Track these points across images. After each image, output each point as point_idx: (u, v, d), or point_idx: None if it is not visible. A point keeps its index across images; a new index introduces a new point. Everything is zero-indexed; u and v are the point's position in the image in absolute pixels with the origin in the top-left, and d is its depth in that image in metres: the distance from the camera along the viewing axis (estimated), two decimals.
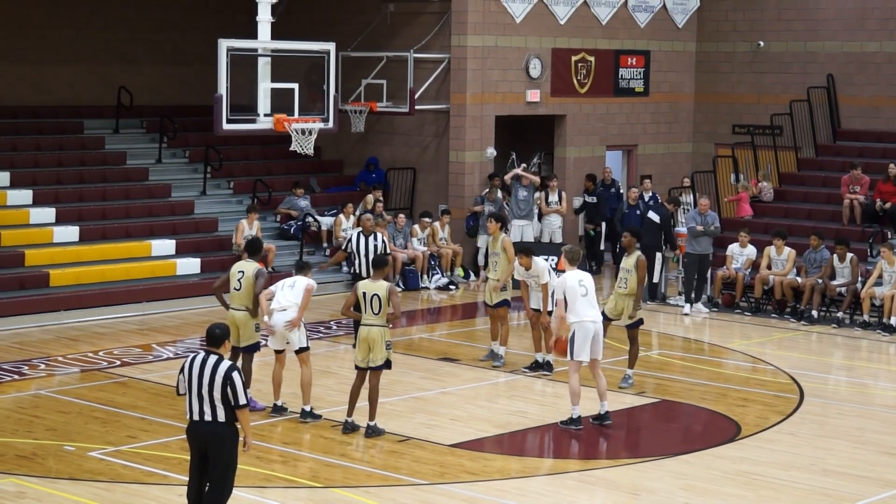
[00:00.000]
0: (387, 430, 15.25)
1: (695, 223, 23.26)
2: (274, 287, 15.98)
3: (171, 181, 26.03)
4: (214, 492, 11.09)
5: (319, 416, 15.78)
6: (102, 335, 20.69)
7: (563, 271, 15.95)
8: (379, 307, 14.90)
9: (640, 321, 17.54)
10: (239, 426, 11.09)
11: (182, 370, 11.13)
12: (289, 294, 15.81)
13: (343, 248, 20.31)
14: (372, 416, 15.13)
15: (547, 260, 24.81)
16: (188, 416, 11.10)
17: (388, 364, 15.08)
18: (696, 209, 23.90)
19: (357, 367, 15.17)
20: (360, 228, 20.24)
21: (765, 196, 26.82)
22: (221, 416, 10.97)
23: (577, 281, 15.52)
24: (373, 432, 15.07)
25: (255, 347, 15.99)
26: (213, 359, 11.01)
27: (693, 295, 23.56)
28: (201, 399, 10.96)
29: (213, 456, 11.03)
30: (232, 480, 11.20)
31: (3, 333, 20.42)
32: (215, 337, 11.12)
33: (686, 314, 23.19)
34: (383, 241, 19.84)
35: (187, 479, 11.40)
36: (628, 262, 17.52)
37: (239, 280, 15.82)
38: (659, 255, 24.17)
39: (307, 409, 15.76)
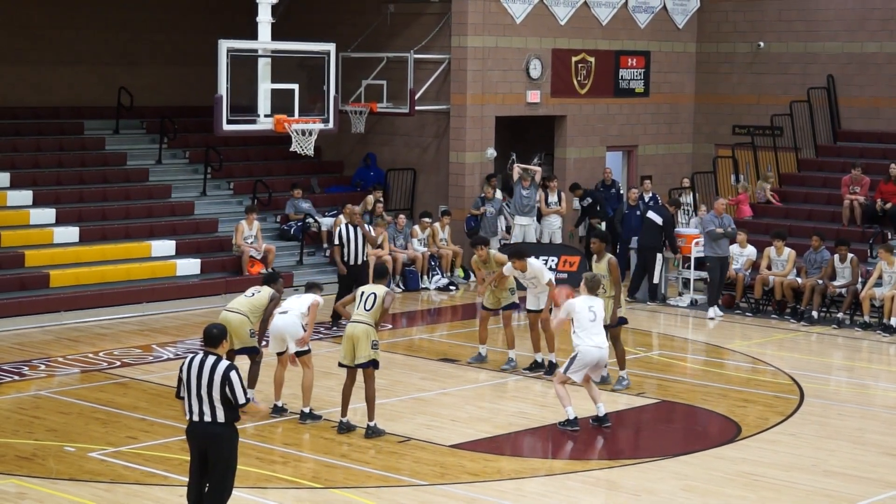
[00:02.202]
0: (387, 430, 15.24)
1: (713, 226, 22.99)
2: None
3: (172, 182, 26.03)
4: (215, 492, 11.09)
5: (319, 417, 15.78)
6: (102, 336, 20.69)
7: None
8: (372, 305, 14.98)
9: (623, 320, 17.42)
10: (246, 416, 11.08)
11: (181, 371, 11.10)
12: (294, 301, 15.89)
13: (335, 242, 21.01)
14: (371, 417, 15.15)
15: (546, 262, 24.95)
16: (188, 417, 11.08)
17: (374, 363, 15.07)
18: (711, 212, 23.65)
19: (341, 365, 15.22)
20: (348, 220, 20.91)
21: (759, 197, 26.83)
22: (221, 417, 10.95)
23: (588, 306, 15.46)
24: (373, 433, 15.07)
25: (253, 351, 15.96)
26: (211, 359, 10.99)
27: (721, 300, 23.39)
28: (200, 400, 10.94)
29: (212, 456, 11.01)
30: (232, 481, 11.20)
31: (3, 334, 20.42)
32: (213, 337, 11.11)
33: (711, 318, 23.02)
34: (371, 231, 20.79)
35: (187, 479, 11.38)
36: (599, 266, 17.30)
37: (253, 293, 15.98)
38: (659, 256, 24.18)
39: (307, 410, 15.76)
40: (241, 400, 10.99)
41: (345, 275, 21.17)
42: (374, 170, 27.64)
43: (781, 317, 22.91)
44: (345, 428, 15.24)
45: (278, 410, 15.96)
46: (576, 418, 15.44)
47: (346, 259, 21.21)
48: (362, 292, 15.17)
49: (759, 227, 25.22)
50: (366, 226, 22.03)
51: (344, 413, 15.30)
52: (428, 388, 17.52)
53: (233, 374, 10.92)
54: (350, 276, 21.02)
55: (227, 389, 10.89)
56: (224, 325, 11.36)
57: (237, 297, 16.28)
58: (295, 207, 25.83)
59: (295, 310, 15.76)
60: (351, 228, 21.14)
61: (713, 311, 23.11)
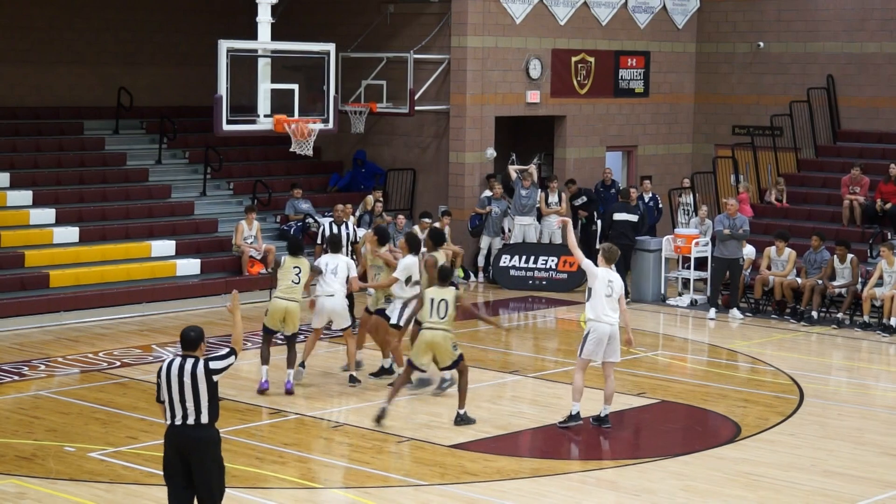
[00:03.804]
0: (386, 430, 15.25)
1: (722, 226, 22.88)
2: (320, 265, 17.45)
3: (171, 182, 26.03)
4: (209, 495, 10.81)
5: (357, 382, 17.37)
6: (102, 336, 20.70)
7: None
8: (445, 312, 15.37)
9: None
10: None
11: (159, 376, 10.80)
12: (333, 281, 17.27)
13: (318, 241, 20.91)
14: (462, 405, 15.60)
15: (546, 262, 25.04)
16: (168, 421, 10.78)
17: (461, 358, 15.61)
18: (724, 212, 23.58)
19: (411, 365, 15.58)
20: (332, 218, 20.85)
21: (771, 197, 26.79)
22: (205, 418, 10.70)
23: (607, 280, 15.34)
24: (462, 420, 15.49)
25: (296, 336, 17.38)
26: (190, 362, 10.69)
27: (720, 300, 23.26)
28: (184, 403, 10.66)
29: (197, 461, 10.74)
30: (223, 481, 10.94)
31: (3, 334, 20.43)
32: (191, 340, 10.79)
33: (712, 319, 23.03)
34: (354, 229, 20.60)
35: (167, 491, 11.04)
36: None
37: (297, 275, 17.07)
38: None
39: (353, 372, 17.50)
40: (229, 360, 10.75)
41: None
42: (366, 165, 27.65)
43: (781, 317, 22.91)
44: (383, 415, 15.54)
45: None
46: (578, 414, 15.43)
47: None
48: (432, 299, 15.44)
49: (759, 227, 25.23)
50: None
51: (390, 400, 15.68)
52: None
53: (211, 363, 10.68)
54: None
55: (215, 377, 10.64)
56: (201, 328, 10.98)
57: (286, 286, 17.06)
58: (294, 208, 25.83)
59: (339, 293, 17.25)
60: (335, 228, 20.81)
61: (713, 313, 23.08)
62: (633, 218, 24.45)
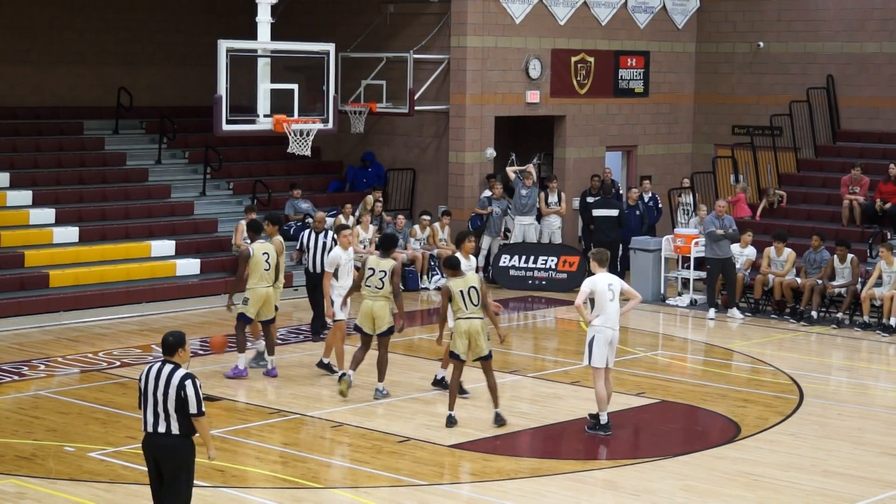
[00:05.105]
0: (386, 430, 15.25)
1: (714, 226, 22.87)
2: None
3: (171, 182, 26.04)
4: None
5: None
6: (102, 336, 20.70)
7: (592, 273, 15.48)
8: (477, 299, 15.32)
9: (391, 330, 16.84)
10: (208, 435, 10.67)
11: (139, 381, 10.65)
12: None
13: (297, 247, 20.50)
14: (497, 404, 15.56)
15: (546, 262, 24.99)
16: (143, 429, 10.66)
17: (490, 355, 15.50)
18: (712, 213, 23.58)
19: (456, 357, 15.42)
20: (312, 227, 20.41)
21: (762, 203, 26.75)
22: (175, 429, 10.49)
23: (607, 284, 15.27)
24: (501, 420, 15.47)
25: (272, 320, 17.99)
26: (168, 368, 10.53)
27: (719, 300, 23.29)
28: (156, 409, 10.50)
29: (167, 469, 10.58)
30: (189, 493, 10.73)
31: (3, 334, 20.43)
32: (168, 345, 10.62)
33: (711, 319, 23.02)
34: (333, 239, 19.72)
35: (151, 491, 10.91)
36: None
37: (266, 261, 17.67)
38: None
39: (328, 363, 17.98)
40: (194, 410, 10.45)
41: (307, 281, 20.57)
42: (373, 166, 27.64)
43: (781, 317, 22.91)
44: (453, 422, 15.50)
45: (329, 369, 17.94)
46: (608, 423, 15.39)
47: (308, 267, 20.10)
48: (460, 291, 15.31)
49: (759, 228, 25.23)
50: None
51: (452, 406, 15.57)
52: (428, 388, 17.50)
53: (188, 383, 10.43)
54: (309, 283, 20.27)
55: (183, 393, 10.40)
56: (181, 333, 10.77)
57: (261, 275, 17.65)
58: (294, 207, 25.83)
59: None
60: (314, 235, 20.26)
61: (713, 313, 23.08)
62: (613, 213, 24.51)
